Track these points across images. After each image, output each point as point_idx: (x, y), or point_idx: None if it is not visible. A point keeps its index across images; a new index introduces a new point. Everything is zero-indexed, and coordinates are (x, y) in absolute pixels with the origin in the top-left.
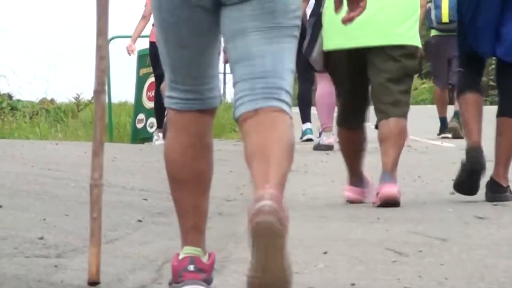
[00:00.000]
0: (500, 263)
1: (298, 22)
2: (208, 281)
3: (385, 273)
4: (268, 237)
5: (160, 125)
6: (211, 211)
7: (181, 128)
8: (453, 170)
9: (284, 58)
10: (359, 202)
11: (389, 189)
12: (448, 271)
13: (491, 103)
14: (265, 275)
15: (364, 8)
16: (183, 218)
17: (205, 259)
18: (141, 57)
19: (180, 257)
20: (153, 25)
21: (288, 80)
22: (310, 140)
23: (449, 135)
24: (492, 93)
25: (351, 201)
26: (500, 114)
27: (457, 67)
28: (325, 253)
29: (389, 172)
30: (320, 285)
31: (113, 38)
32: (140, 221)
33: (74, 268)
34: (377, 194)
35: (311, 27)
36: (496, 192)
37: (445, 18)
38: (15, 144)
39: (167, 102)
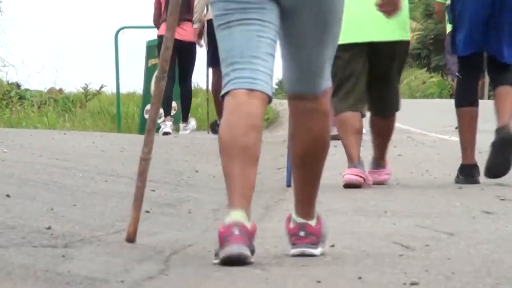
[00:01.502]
0: (507, 258)
1: (341, 21)
2: (250, 245)
3: (392, 267)
4: None
5: (168, 112)
6: (218, 202)
7: (233, 109)
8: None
9: (328, 59)
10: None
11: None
12: (455, 266)
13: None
14: None
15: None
16: (231, 186)
17: (249, 225)
18: (149, 47)
19: (226, 222)
20: (163, 21)
21: (327, 67)
22: None
23: None
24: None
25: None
26: (497, 84)
27: (458, 72)
28: (332, 246)
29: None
30: (327, 278)
31: (121, 29)
32: (147, 212)
33: (81, 258)
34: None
35: None
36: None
37: None
38: (23, 134)
39: (223, 89)
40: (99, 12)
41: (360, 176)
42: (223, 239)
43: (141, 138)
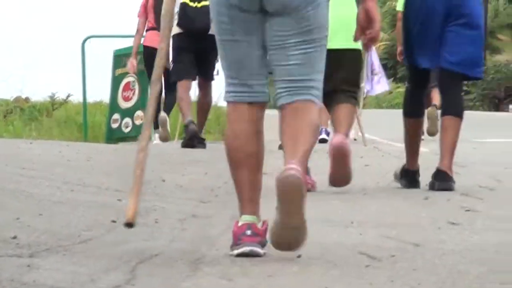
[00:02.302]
0: (473, 269)
1: (326, 32)
2: (262, 243)
3: (359, 278)
4: (293, 193)
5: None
6: (185, 212)
7: (236, 119)
8: (428, 175)
9: (315, 63)
10: None
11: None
12: (421, 277)
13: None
14: (287, 222)
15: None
16: (240, 192)
17: (259, 225)
18: (117, 57)
19: (239, 224)
20: (147, 30)
21: (318, 79)
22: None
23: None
24: (466, 97)
25: None
26: (444, 113)
27: (407, 83)
28: (299, 256)
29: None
30: None
31: (88, 38)
32: (114, 221)
33: (47, 268)
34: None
35: None
36: (443, 181)
37: None
38: None
39: (225, 97)
40: (66, 21)
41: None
42: (237, 237)
43: (108, 147)
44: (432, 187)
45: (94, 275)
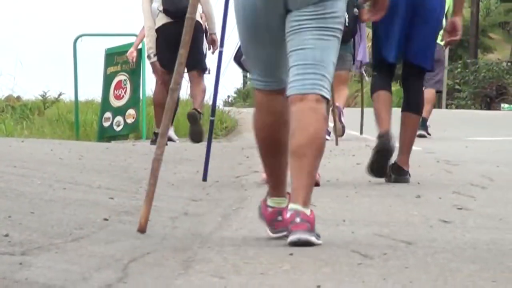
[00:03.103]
0: (464, 267)
1: (341, 26)
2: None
3: (350, 276)
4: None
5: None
6: (177, 210)
7: (264, 108)
8: (420, 173)
9: (329, 52)
10: None
11: None
12: (413, 275)
13: (457, 107)
14: None
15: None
16: (270, 176)
17: (284, 203)
18: (108, 55)
19: (270, 205)
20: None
21: (330, 70)
22: None
23: (425, 133)
24: (457, 96)
25: None
26: (404, 109)
27: (372, 72)
28: (291, 254)
29: None
30: (286, 286)
31: (80, 36)
32: (106, 219)
33: (38, 266)
34: None
35: None
36: (398, 174)
37: None
38: None
39: (253, 83)
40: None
41: None
42: (271, 221)
43: (100, 145)
44: (389, 179)
45: (86, 273)
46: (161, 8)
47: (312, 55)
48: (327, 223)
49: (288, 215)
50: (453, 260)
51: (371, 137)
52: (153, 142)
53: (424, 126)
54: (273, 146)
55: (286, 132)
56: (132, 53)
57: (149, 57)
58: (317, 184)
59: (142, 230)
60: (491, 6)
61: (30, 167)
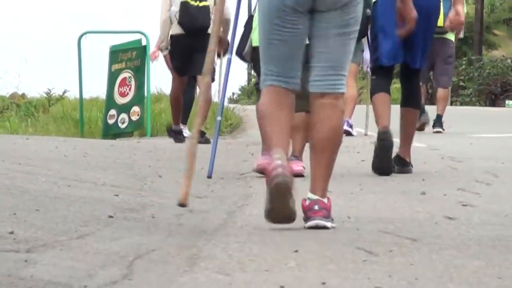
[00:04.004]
0: (469, 264)
1: (358, 27)
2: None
3: (356, 273)
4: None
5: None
6: (182, 208)
7: (270, 96)
8: (424, 170)
9: (349, 54)
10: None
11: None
12: (418, 271)
13: (461, 103)
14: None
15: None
16: (270, 133)
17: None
18: (113, 53)
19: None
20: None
21: (347, 67)
22: None
23: (441, 130)
24: (462, 92)
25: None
26: (403, 105)
27: (371, 76)
28: (296, 251)
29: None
30: (291, 283)
31: (84, 34)
32: (111, 217)
33: (44, 263)
34: None
35: (244, 26)
36: (402, 165)
37: (440, 22)
38: None
39: (261, 86)
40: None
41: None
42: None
43: (104, 143)
44: (393, 170)
45: (91, 270)
46: (178, 17)
47: (334, 58)
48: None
49: (307, 203)
50: (458, 257)
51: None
52: (174, 137)
53: (440, 123)
54: (274, 113)
55: (288, 113)
56: (154, 53)
57: (161, 49)
58: (301, 175)
59: (182, 203)
60: (495, 3)
61: (35, 165)
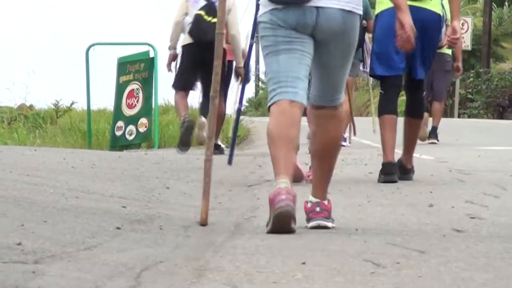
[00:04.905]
0: (477, 277)
1: (355, 48)
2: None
3: (363, 285)
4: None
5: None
6: (189, 219)
7: (279, 113)
8: (432, 182)
9: (347, 71)
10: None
11: None
12: (426, 284)
13: (469, 116)
14: None
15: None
16: (277, 163)
17: (289, 186)
18: (120, 64)
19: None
20: (228, 42)
21: (345, 81)
22: None
23: (435, 141)
24: (470, 105)
25: None
26: (407, 114)
27: (380, 89)
28: (303, 263)
29: None
30: None
31: (92, 45)
32: (118, 228)
33: (52, 275)
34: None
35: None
36: (403, 173)
37: None
38: None
39: (270, 101)
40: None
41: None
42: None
43: (112, 154)
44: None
45: (99, 281)
46: (189, 28)
47: (335, 80)
48: (339, 232)
49: (309, 205)
50: (466, 269)
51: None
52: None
53: (435, 134)
54: (283, 141)
55: (296, 133)
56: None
57: (169, 48)
58: (300, 180)
59: (203, 222)
60: (503, 16)
61: (42, 176)
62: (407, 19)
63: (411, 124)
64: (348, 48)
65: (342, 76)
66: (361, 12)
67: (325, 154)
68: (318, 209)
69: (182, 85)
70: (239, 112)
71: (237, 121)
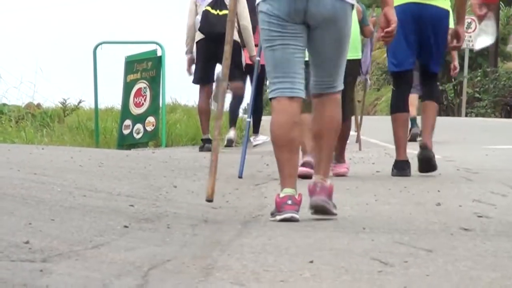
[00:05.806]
0: (485, 275)
1: (350, 38)
2: (298, 210)
3: (371, 283)
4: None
5: (257, 130)
6: (196, 218)
7: (280, 111)
8: (440, 181)
9: (344, 57)
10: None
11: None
12: (433, 282)
13: (477, 115)
14: None
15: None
16: (282, 170)
17: (296, 196)
18: (128, 63)
19: (281, 195)
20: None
21: (343, 67)
22: None
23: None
24: (477, 104)
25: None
26: (424, 99)
27: (392, 85)
28: (311, 262)
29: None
30: None
31: (100, 44)
32: (126, 227)
33: (59, 273)
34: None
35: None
36: (425, 151)
37: None
38: (1, 148)
39: (269, 94)
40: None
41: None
42: (280, 206)
43: (120, 153)
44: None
45: (106, 280)
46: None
47: (330, 66)
48: (346, 231)
49: (311, 184)
50: (473, 268)
51: (391, 145)
52: (201, 148)
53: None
54: (286, 142)
55: (297, 132)
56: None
57: (186, 53)
58: (309, 177)
59: (209, 199)
60: (511, 15)
61: (50, 175)
62: (393, 15)
63: (429, 106)
64: (339, 35)
65: (336, 64)
66: (353, 2)
67: (324, 134)
68: (318, 188)
69: (201, 78)
70: (248, 126)
71: (247, 133)
